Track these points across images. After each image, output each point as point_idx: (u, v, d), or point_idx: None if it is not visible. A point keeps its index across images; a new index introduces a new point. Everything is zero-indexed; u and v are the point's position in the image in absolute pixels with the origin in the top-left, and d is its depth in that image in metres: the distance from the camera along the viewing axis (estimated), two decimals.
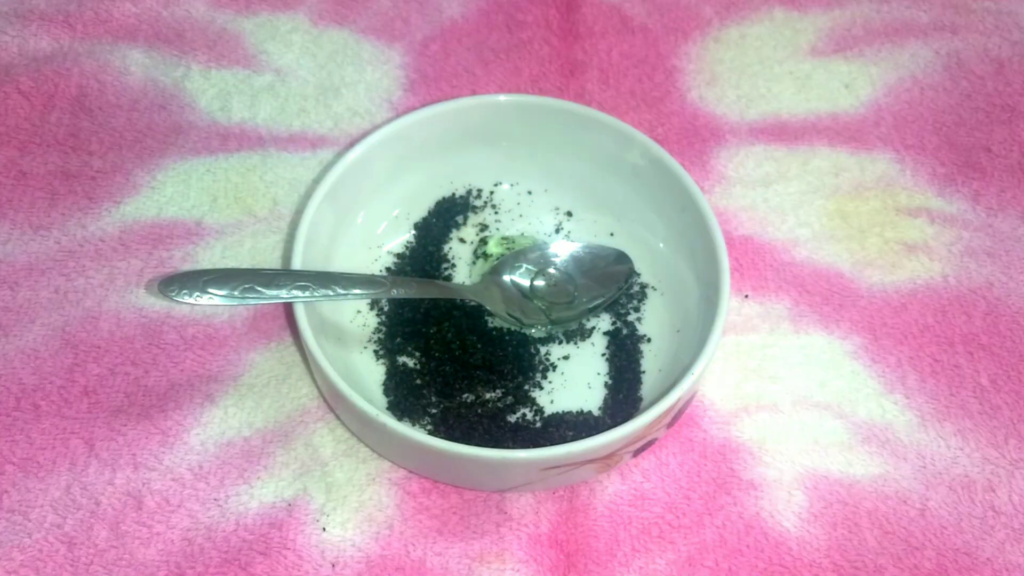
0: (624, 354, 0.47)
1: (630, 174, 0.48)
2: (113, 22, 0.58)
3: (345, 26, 0.60)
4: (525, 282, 0.48)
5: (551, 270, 0.48)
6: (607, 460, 0.41)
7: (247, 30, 0.59)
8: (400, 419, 0.44)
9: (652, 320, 0.48)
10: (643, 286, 0.49)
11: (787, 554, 0.42)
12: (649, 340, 0.47)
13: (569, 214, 0.51)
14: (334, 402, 0.43)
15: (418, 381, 0.45)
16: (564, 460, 0.39)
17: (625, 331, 0.48)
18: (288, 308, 0.47)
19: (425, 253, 0.50)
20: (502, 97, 0.50)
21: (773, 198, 0.53)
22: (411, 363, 0.46)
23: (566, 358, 0.47)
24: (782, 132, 0.56)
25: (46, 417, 0.45)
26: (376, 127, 0.50)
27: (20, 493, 0.42)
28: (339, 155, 0.50)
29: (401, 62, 0.58)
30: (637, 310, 0.48)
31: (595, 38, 0.59)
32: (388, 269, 0.49)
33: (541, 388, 0.46)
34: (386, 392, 0.45)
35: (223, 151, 0.54)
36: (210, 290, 0.41)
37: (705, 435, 0.45)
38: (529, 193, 0.52)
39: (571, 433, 0.44)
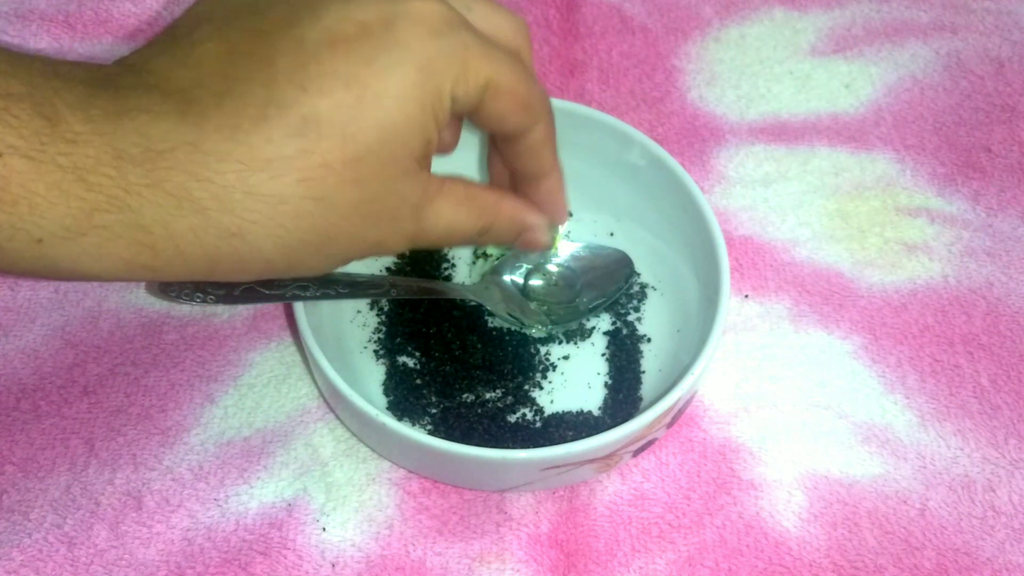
0: (624, 354, 0.47)
1: (630, 174, 0.48)
2: (113, 22, 0.58)
3: None
4: (525, 282, 0.48)
5: (551, 269, 0.48)
6: (607, 460, 0.41)
7: None
8: (400, 419, 0.44)
9: (652, 320, 0.48)
10: (643, 286, 0.49)
11: (787, 554, 0.42)
12: (649, 340, 0.47)
13: (569, 214, 0.51)
14: (334, 402, 0.43)
15: (418, 381, 0.45)
16: (564, 460, 0.39)
17: (625, 331, 0.48)
18: (288, 308, 0.47)
19: (425, 253, 0.50)
20: None
21: (773, 198, 0.53)
22: (411, 363, 0.46)
23: (566, 358, 0.47)
24: (782, 132, 0.56)
25: (46, 417, 0.45)
26: None
27: (20, 493, 0.42)
28: None
29: None
30: (637, 310, 0.48)
31: (595, 38, 0.59)
32: (388, 269, 0.49)
33: (541, 388, 0.46)
34: (386, 392, 0.45)
35: None
36: (210, 290, 0.41)
37: (705, 435, 0.45)
38: None
39: (571, 433, 0.44)
